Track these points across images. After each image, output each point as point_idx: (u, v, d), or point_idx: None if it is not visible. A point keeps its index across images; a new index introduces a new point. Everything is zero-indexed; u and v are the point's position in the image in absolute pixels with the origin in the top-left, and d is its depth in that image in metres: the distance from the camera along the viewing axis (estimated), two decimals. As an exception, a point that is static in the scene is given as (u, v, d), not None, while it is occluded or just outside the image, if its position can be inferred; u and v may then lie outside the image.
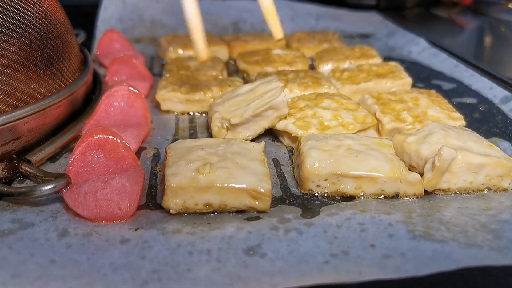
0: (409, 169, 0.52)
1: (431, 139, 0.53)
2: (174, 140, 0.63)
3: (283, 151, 0.61)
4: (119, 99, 0.63)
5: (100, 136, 0.51)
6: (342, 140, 0.53)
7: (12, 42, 0.54)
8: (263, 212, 0.47)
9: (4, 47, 0.53)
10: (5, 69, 0.53)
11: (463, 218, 0.46)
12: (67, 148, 0.59)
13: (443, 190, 0.51)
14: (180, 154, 0.50)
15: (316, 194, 0.50)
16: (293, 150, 0.60)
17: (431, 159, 0.50)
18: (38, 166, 0.54)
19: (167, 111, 0.71)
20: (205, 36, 0.62)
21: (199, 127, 0.67)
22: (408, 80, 0.76)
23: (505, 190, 0.51)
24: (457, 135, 0.53)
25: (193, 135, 0.65)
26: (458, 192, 0.51)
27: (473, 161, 0.49)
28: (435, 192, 0.51)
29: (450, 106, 0.66)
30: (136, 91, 0.64)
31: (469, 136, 0.54)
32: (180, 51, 0.92)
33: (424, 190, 0.51)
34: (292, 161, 0.58)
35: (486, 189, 0.51)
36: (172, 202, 0.46)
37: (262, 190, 0.46)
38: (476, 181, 0.51)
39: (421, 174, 0.51)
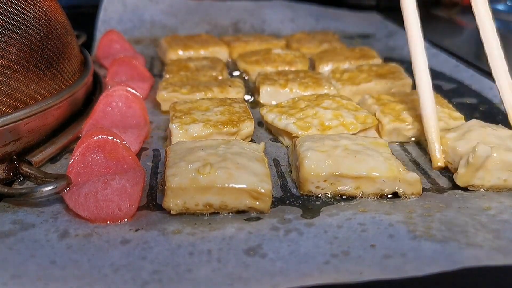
0: (445, 164, 0.53)
1: (469, 136, 0.54)
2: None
3: (283, 151, 0.61)
4: (117, 99, 0.63)
5: (100, 137, 0.51)
6: (338, 141, 0.53)
7: (13, 44, 0.54)
8: (263, 212, 0.47)
9: (5, 48, 0.53)
10: (5, 70, 0.53)
11: (463, 218, 0.46)
12: (67, 149, 0.59)
13: (477, 187, 0.51)
14: (181, 155, 0.50)
15: (316, 195, 0.50)
16: (288, 152, 0.60)
17: (466, 156, 0.51)
18: (38, 167, 0.54)
19: (168, 112, 0.71)
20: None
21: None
22: (409, 80, 0.76)
23: None
24: (496, 133, 0.54)
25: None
26: (491, 190, 0.51)
27: (509, 160, 0.49)
28: (469, 188, 0.51)
29: (450, 106, 0.66)
30: (134, 91, 0.64)
31: (508, 134, 0.54)
32: (180, 52, 0.92)
33: (423, 189, 0.51)
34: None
35: None
36: (173, 202, 0.46)
37: (262, 190, 0.46)
38: (511, 179, 0.50)
39: (456, 170, 0.52)
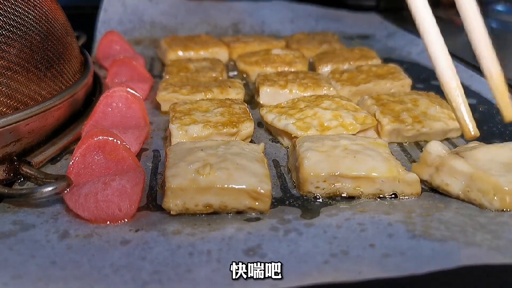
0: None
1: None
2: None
3: (283, 152, 0.61)
4: (117, 100, 0.63)
5: (100, 137, 0.51)
6: (338, 141, 0.53)
7: (13, 44, 0.54)
8: (263, 213, 0.48)
9: (5, 49, 0.53)
10: (5, 71, 0.53)
11: (462, 218, 0.46)
12: (67, 149, 0.59)
13: (426, 182, 0.52)
14: (180, 155, 0.51)
15: (315, 195, 0.50)
16: (287, 153, 0.60)
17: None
18: (38, 168, 0.54)
19: (168, 113, 0.71)
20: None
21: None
22: (408, 81, 0.76)
23: (481, 207, 0.48)
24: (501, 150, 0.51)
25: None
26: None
27: (455, 166, 0.49)
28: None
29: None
30: (134, 92, 0.64)
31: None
32: (180, 53, 0.92)
33: (422, 189, 0.51)
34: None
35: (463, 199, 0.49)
36: (173, 203, 0.47)
37: (262, 191, 0.46)
38: (454, 186, 0.49)
39: None
